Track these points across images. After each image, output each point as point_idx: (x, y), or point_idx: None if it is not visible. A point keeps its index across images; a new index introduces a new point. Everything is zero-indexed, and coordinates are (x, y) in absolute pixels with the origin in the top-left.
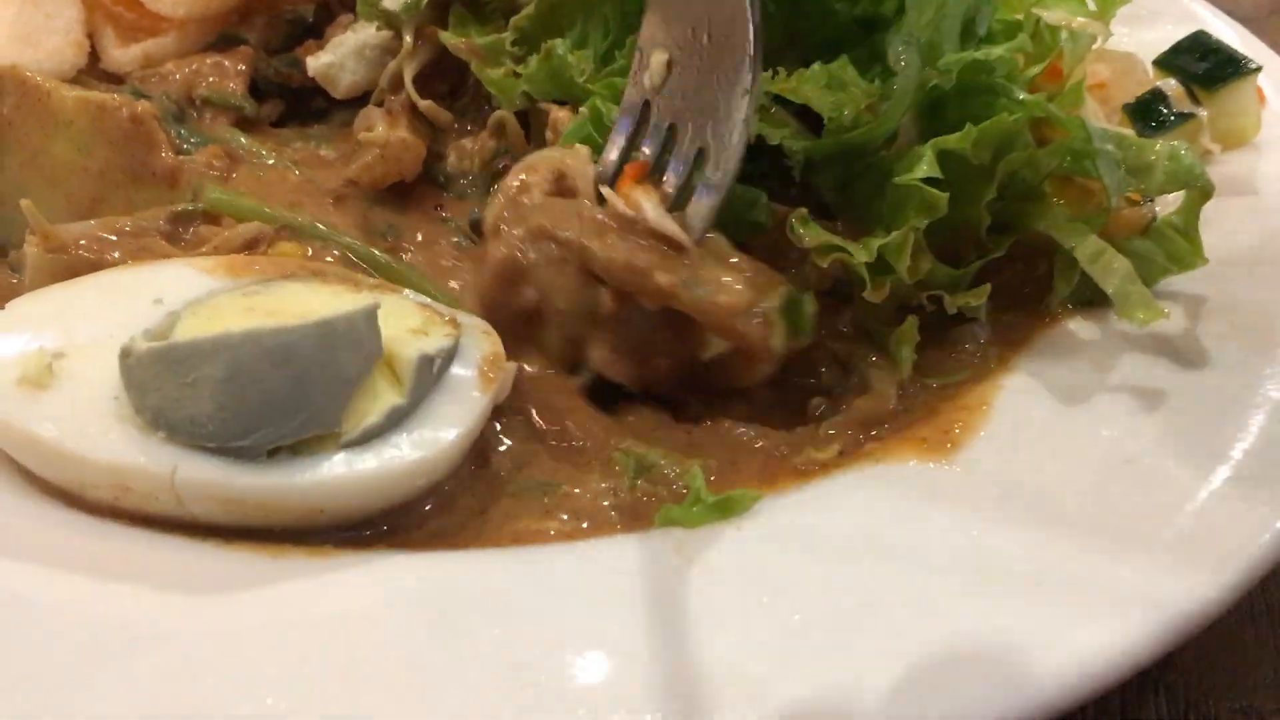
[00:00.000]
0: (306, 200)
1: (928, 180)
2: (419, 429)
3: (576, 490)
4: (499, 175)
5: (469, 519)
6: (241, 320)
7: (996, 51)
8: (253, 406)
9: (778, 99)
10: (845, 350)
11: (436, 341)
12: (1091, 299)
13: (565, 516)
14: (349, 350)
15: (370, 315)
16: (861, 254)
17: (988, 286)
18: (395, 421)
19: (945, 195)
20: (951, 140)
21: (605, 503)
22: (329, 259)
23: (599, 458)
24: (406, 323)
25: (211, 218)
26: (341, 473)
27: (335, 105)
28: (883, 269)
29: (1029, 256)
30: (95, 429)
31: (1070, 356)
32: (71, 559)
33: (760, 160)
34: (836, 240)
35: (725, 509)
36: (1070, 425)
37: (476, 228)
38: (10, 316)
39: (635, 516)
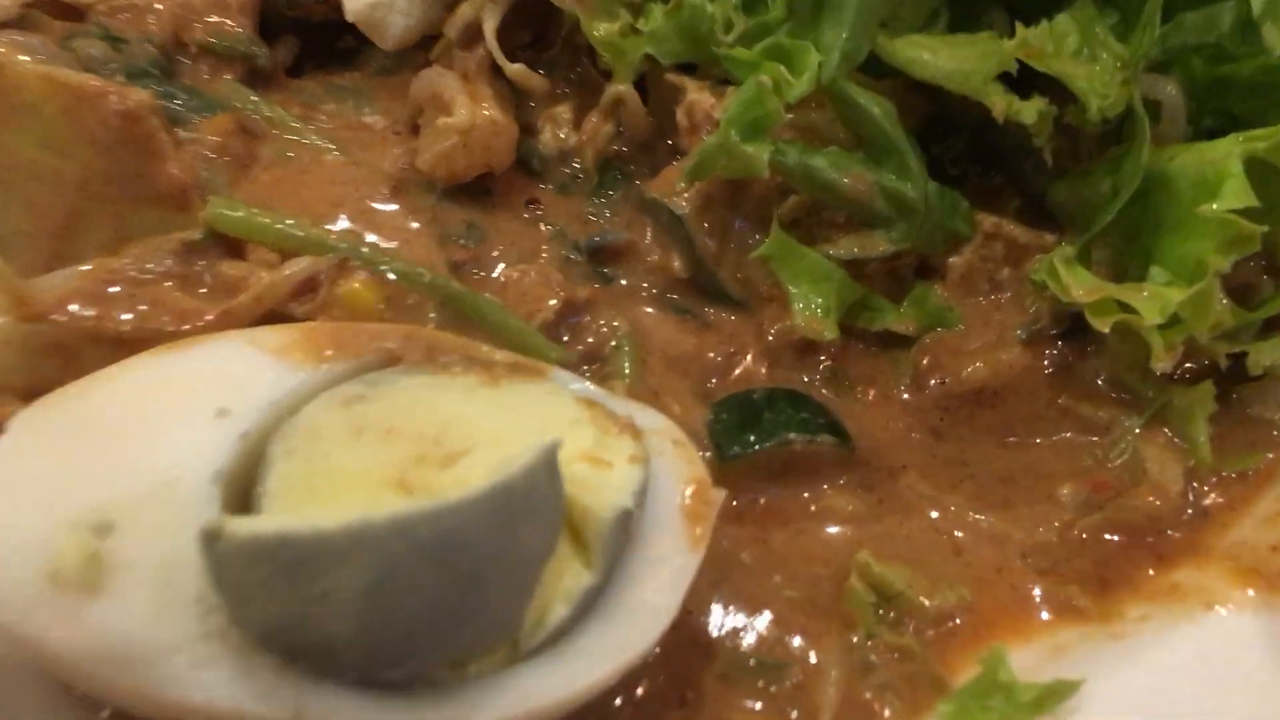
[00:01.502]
0: (353, 193)
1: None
2: (616, 616)
3: (808, 663)
4: (612, 165)
5: (666, 710)
6: (359, 462)
7: None
8: (408, 624)
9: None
10: (1100, 416)
11: (627, 478)
12: None
13: (797, 709)
14: (530, 522)
15: (551, 464)
16: (1153, 314)
17: None
18: (586, 607)
19: (1260, 229)
20: (1260, 143)
21: (843, 675)
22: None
23: (825, 597)
24: (576, 442)
25: (230, 243)
26: (525, 702)
27: (368, 42)
28: (1171, 322)
29: None
30: (182, 661)
31: None
32: None
33: (954, 139)
34: (1119, 294)
35: (1041, 706)
36: None
37: (600, 253)
38: (16, 452)
39: (891, 696)
